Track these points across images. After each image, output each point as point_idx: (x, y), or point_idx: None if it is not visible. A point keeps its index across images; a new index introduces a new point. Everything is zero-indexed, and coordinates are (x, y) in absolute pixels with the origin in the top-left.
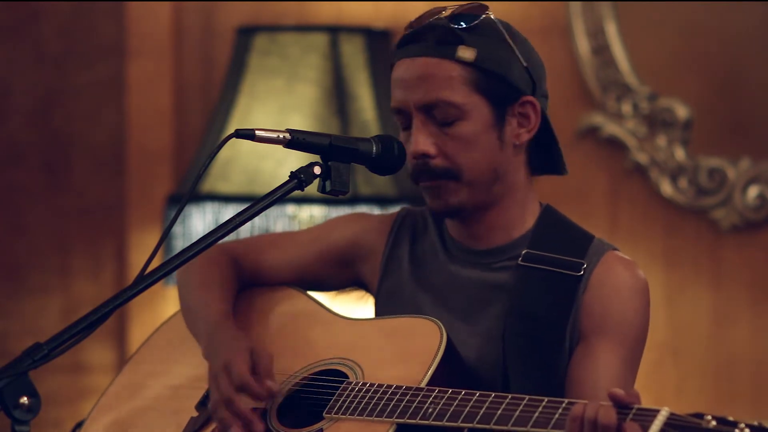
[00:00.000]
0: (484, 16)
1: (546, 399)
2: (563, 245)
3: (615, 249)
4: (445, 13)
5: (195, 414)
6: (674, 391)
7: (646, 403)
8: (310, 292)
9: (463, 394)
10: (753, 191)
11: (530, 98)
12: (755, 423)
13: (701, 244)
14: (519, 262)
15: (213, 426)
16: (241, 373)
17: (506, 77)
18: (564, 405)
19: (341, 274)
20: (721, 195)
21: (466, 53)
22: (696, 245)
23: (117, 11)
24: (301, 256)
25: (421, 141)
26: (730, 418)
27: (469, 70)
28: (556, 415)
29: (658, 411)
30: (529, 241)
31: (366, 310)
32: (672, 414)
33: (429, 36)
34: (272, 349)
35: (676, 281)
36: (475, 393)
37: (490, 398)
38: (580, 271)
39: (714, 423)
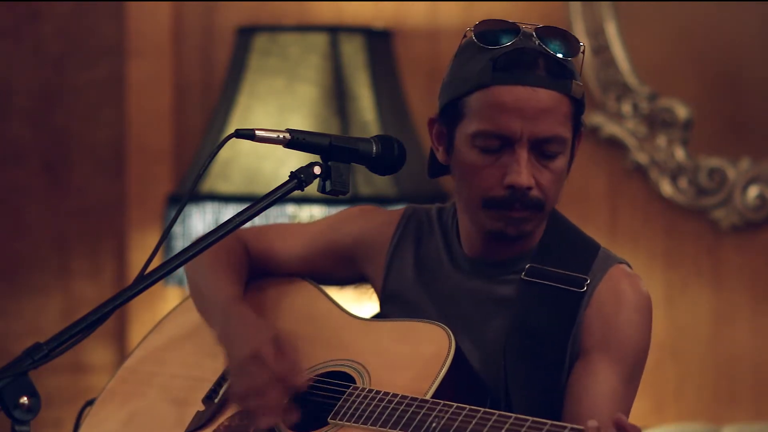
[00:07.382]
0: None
1: (549, 422)
2: (568, 259)
3: (621, 262)
4: (529, 30)
5: (201, 408)
6: (674, 391)
7: (646, 403)
8: (323, 287)
9: (468, 410)
10: (753, 191)
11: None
12: None
13: (701, 244)
14: (522, 276)
15: (220, 420)
16: (275, 364)
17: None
18: (568, 429)
19: (346, 270)
20: (721, 195)
21: (578, 90)
22: (696, 245)
23: (117, 11)
24: (309, 248)
25: (526, 174)
26: None
27: (574, 106)
28: None
29: None
30: (533, 254)
31: (372, 306)
32: None
33: (541, 64)
34: None
35: (676, 281)
36: (480, 410)
37: (494, 417)
38: (582, 287)
39: None
